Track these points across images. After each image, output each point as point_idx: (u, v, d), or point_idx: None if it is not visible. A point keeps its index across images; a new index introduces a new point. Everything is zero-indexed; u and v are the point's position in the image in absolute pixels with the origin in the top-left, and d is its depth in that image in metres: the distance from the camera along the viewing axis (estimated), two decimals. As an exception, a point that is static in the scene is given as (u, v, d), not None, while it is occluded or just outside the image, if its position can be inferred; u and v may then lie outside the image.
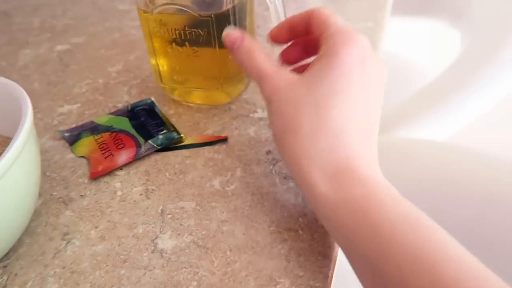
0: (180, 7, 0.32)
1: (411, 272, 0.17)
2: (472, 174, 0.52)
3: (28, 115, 0.25)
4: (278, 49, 0.33)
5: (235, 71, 0.36)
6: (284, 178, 0.31)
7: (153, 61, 0.36)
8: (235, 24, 0.33)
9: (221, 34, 0.32)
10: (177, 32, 0.33)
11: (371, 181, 0.21)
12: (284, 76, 0.25)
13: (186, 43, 0.33)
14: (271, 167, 0.32)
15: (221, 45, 0.33)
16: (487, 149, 0.54)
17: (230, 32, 0.29)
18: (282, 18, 0.34)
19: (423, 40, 0.95)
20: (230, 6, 0.32)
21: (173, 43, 0.34)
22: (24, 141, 0.24)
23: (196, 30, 0.32)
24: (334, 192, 0.21)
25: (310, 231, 0.27)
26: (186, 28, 0.32)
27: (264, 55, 0.27)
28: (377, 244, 0.19)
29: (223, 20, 0.32)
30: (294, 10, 0.33)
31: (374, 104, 0.24)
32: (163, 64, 0.36)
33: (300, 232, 0.27)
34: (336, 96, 0.22)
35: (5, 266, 0.27)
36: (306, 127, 0.22)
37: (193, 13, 0.31)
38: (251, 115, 0.37)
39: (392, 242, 0.18)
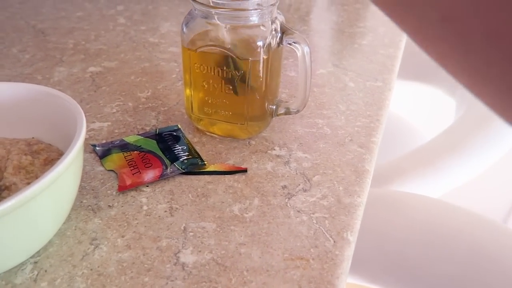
0: (222, 50, 0.36)
1: None
2: (461, 232, 0.56)
3: (83, 131, 0.28)
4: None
5: (261, 112, 0.40)
6: (298, 211, 0.34)
7: (187, 92, 0.40)
8: (267, 68, 0.37)
9: (256, 76, 0.37)
10: (215, 70, 0.37)
11: None
12: None
13: (222, 81, 0.37)
14: (286, 200, 0.35)
15: (253, 86, 0.37)
16: (475, 208, 0.57)
17: None
18: (308, 65, 0.38)
19: (421, 104, 1.01)
20: (266, 56, 0.36)
21: (210, 79, 0.38)
22: (77, 153, 0.27)
23: (234, 71, 0.36)
24: None
25: (321, 262, 0.30)
26: (225, 68, 0.36)
27: None
28: None
29: (258, 65, 0.36)
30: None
31: None
32: (196, 96, 0.40)
33: (312, 261, 0.30)
34: None
35: (35, 262, 0.29)
36: None
37: (233, 56, 0.36)
38: (269, 151, 0.41)
39: None
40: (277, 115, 0.42)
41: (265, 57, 0.36)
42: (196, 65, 0.37)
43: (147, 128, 0.43)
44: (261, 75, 0.37)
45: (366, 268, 0.58)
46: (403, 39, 0.69)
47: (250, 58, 0.36)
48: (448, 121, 0.82)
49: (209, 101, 0.39)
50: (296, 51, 0.37)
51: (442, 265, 0.54)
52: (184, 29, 0.37)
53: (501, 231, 0.57)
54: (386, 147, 0.72)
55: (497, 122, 0.70)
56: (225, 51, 0.36)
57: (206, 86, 0.38)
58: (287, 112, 0.42)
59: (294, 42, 0.37)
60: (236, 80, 0.37)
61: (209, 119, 0.41)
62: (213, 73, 0.37)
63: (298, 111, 0.41)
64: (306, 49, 0.37)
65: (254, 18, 0.35)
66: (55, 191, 0.26)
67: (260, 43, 0.36)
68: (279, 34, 0.37)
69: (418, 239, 0.57)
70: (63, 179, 0.27)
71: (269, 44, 0.36)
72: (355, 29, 0.72)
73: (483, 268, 0.52)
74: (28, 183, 0.28)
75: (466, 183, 0.68)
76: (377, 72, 0.57)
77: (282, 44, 0.38)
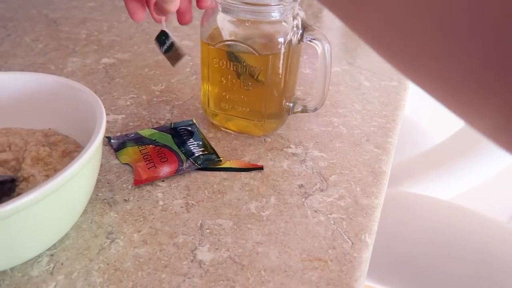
0: (241, 45, 0.35)
1: None
2: (470, 233, 0.55)
3: (103, 125, 0.28)
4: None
5: (279, 109, 0.39)
6: (315, 211, 0.33)
7: (205, 87, 0.40)
8: (287, 65, 0.37)
9: (275, 72, 0.36)
10: (234, 66, 0.36)
11: None
12: None
13: (241, 76, 0.37)
14: (303, 199, 0.35)
15: (273, 84, 0.37)
16: (485, 211, 0.57)
17: None
18: (328, 63, 0.37)
19: (432, 105, 0.99)
20: (285, 50, 0.36)
21: (229, 75, 0.37)
22: (96, 148, 0.27)
23: (253, 67, 0.36)
24: None
25: (339, 264, 0.29)
26: (244, 64, 0.36)
27: None
28: None
29: (278, 61, 0.36)
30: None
31: None
32: (214, 91, 0.39)
33: (330, 263, 0.29)
34: None
35: (52, 255, 0.28)
36: None
37: (253, 51, 0.35)
38: (284, 149, 0.40)
39: None
40: (294, 113, 0.41)
41: (285, 53, 0.36)
42: (215, 60, 0.37)
43: (162, 122, 0.43)
44: (280, 71, 0.37)
45: (375, 269, 0.58)
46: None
47: (270, 54, 0.35)
48: (459, 124, 0.82)
49: (227, 97, 0.39)
50: (317, 48, 0.37)
51: (451, 266, 0.53)
52: (205, 23, 0.37)
53: (509, 232, 0.56)
54: (397, 147, 0.71)
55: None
56: (244, 46, 0.35)
57: (224, 81, 0.38)
58: (304, 110, 0.41)
59: (315, 39, 0.37)
60: (255, 76, 0.36)
61: (225, 115, 0.40)
62: (232, 69, 0.37)
63: (316, 109, 0.41)
64: (327, 46, 0.36)
65: (276, 14, 0.35)
66: (74, 185, 0.26)
67: (281, 40, 0.35)
68: (300, 31, 0.36)
69: (427, 239, 0.56)
70: (83, 173, 0.26)
71: (290, 40, 0.36)
72: (369, 27, 0.71)
73: (492, 268, 0.51)
74: (47, 175, 0.28)
75: (473, 186, 0.68)
76: (392, 72, 0.57)
77: (302, 41, 0.37)
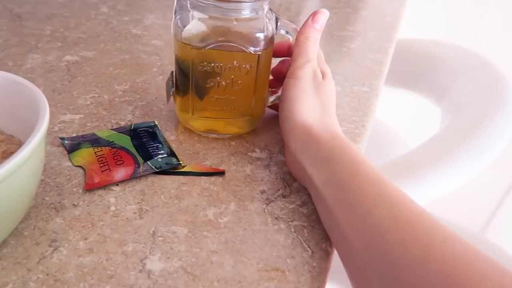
0: (232, 44, 0.34)
1: (368, 184, 0.29)
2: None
3: (45, 121, 0.26)
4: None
5: (263, 104, 0.40)
6: (276, 218, 0.32)
7: (186, 96, 0.37)
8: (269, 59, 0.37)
9: (265, 68, 0.37)
10: (224, 66, 0.35)
11: (347, 140, 0.34)
12: (318, 71, 0.37)
13: (232, 76, 0.35)
14: (264, 206, 0.33)
15: (260, 79, 0.37)
16: (460, 217, 0.57)
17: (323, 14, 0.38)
18: None
19: (406, 111, 1.00)
20: (268, 48, 0.36)
21: (218, 76, 0.35)
22: (37, 146, 0.25)
23: (244, 65, 0.35)
24: (331, 141, 0.33)
25: (297, 274, 0.28)
26: (235, 63, 0.35)
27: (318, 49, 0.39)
28: (351, 167, 0.30)
29: (265, 56, 0.36)
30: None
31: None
32: (200, 96, 0.37)
33: (287, 273, 0.28)
34: (331, 100, 0.37)
35: (-14, 264, 0.26)
36: (316, 111, 0.35)
37: (245, 49, 0.34)
38: (249, 153, 0.39)
39: (360, 167, 0.30)
40: (270, 103, 0.42)
41: (269, 49, 0.36)
42: (202, 63, 0.35)
43: (122, 123, 0.41)
44: (267, 67, 0.38)
45: (344, 276, 0.57)
46: (392, 45, 0.69)
47: (260, 50, 0.35)
48: (432, 130, 0.82)
49: (214, 100, 0.37)
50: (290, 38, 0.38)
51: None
52: (181, 25, 0.34)
53: (478, 243, 0.56)
54: (369, 153, 0.71)
55: (482, 134, 0.70)
56: (235, 45, 0.34)
57: (212, 84, 0.36)
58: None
59: (288, 32, 0.38)
60: (246, 74, 0.36)
61: (214, 119, 0.39)
62: (221, 70, 0.35)
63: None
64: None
65: (248, 11, 0.34)
66: (8, 188, 0.24)
67: (260, 35, 0.35)
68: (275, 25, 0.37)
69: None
70: (20, 174, 0.24)
71: (272, 36, 0.36)
72: (344, 33, 0.70)
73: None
74: (-18, 177, 0.26)
75: (446, 194, 0.68)
76: (364, 77, 0.56)
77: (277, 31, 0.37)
